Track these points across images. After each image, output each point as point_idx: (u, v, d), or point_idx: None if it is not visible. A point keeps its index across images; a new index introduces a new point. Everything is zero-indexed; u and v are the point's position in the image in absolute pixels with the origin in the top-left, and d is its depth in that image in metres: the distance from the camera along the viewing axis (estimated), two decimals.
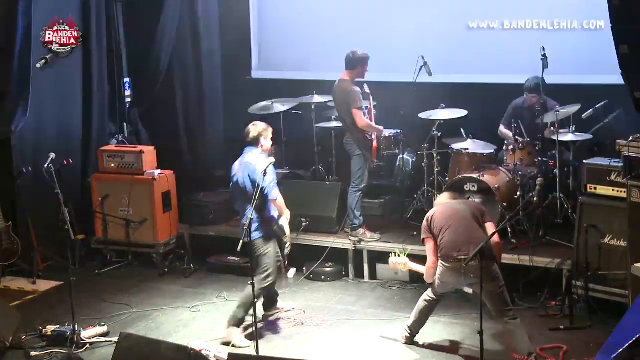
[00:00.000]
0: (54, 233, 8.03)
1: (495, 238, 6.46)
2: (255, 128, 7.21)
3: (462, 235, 6.44)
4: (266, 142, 7.22)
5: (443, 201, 6.93)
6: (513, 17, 9.12)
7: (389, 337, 7.07)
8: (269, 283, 7.13)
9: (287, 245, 7.30)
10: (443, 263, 6.50)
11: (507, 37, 9.18)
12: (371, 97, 8.47)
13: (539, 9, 9.02)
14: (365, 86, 8.37)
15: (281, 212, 7.18)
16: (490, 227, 6.60)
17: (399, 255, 6.99)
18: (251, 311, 6.84)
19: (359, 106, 8.23)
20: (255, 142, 7.18)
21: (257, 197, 6.63)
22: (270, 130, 7.30)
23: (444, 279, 6.56)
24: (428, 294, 6.77)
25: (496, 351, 6.64)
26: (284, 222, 7.19)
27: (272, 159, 6.96)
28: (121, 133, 9.92)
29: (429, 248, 6.63)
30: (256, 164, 6.99)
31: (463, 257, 6.32)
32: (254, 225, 6.93)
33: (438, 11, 9.44)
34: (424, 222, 6.69)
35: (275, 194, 7.02)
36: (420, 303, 6.82)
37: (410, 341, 6.90)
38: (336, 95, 8.46)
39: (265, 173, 6.68)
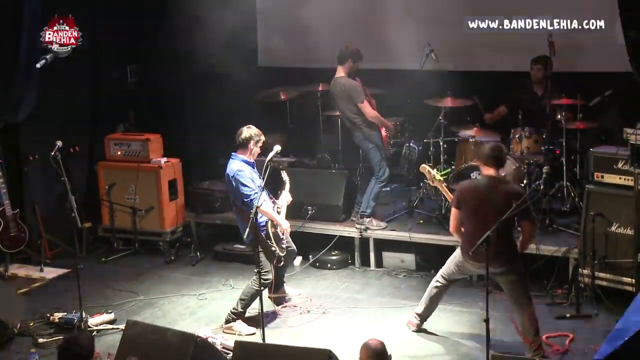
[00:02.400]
0: (61, 221, 8.04)
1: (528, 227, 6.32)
2: (249, 130, 7.02)
3: (482, 231, 5.90)
4: (256, 148, 7.05)
5: (480, 181, 6.53)
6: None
7: (395, 325, 7.08)
8: (266, 281, 7.04)
9: (283, 239, 7.19)
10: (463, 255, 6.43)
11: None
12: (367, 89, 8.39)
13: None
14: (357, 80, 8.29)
15: (272, 218, 7.02)
16: (526, 227, 6.33)
17: (438, 171, 6.86)
18: (252, 305, 6.95)
19: (363, 99, 8.16)
20: (244, 144, 7.01)
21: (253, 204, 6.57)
22: (263, 138, 7.08)
23: (461, 265, 6.52)
24: (438, 279, 6.75)
25: (502, 339, 6.64)
26: (281, 219, 7.13)
27: (278, 147, 6.92)
28: (127, 121, 9.92)
29: (453, 213, 6.47)
30: (228, 173, 6.97)
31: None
32: (244, 227, 6.74)
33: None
34: (456, 193, 6.46)
35: (259, 202, 6.59)
36: (431, 289, 6.81)
37: (419, 328, 6.92)
38: (336, 93, 8.32)
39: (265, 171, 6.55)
